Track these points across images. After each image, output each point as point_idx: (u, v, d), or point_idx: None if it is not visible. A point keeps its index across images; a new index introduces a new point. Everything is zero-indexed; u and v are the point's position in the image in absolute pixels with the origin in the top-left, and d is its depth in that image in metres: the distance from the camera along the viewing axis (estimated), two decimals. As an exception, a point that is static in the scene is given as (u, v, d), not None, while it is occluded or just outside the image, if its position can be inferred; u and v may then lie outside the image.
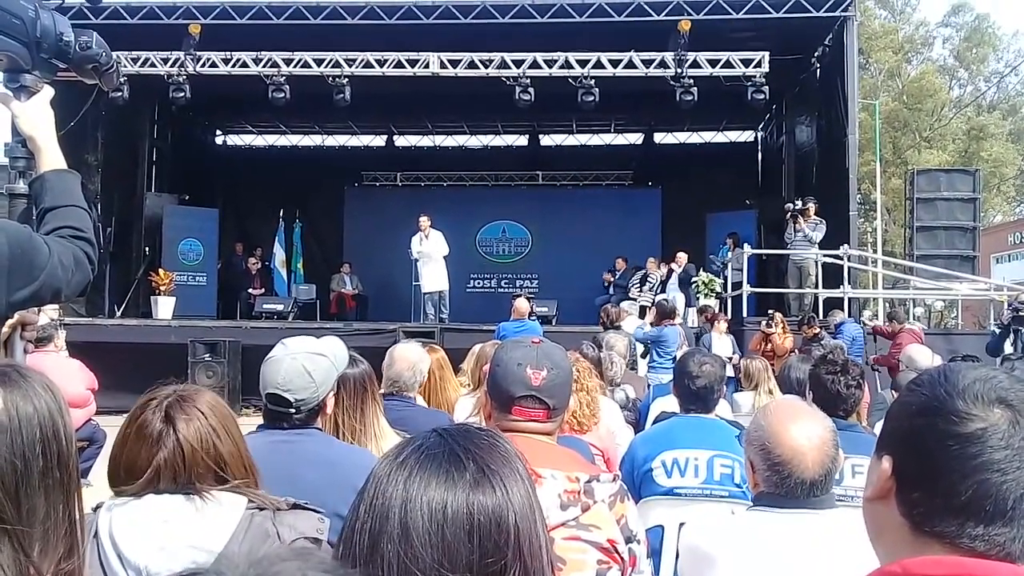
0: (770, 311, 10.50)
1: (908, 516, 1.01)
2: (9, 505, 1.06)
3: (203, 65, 13.03)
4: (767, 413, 2.07)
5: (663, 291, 13.39)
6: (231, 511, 1.70)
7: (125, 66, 12.75)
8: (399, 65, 13.03)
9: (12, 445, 1.07)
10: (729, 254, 13.64)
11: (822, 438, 1.98)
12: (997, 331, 9.58)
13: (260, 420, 2.35)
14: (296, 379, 2.22)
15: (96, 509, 1.71)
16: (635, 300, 13.16)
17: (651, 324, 9.76)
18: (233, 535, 1.66)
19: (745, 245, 12.78)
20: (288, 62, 12.98)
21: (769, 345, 9.69)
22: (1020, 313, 9.24)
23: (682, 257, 13.51)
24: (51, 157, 1.98)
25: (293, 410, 2.24)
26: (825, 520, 1.93)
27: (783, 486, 1.97)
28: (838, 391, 3.19)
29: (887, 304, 14.78)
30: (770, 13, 12.39)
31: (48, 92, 2.02)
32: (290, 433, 2.25)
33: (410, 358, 3.55)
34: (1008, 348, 9.16)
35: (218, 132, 19.67)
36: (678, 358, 3.88)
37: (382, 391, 3.16)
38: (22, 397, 1.11)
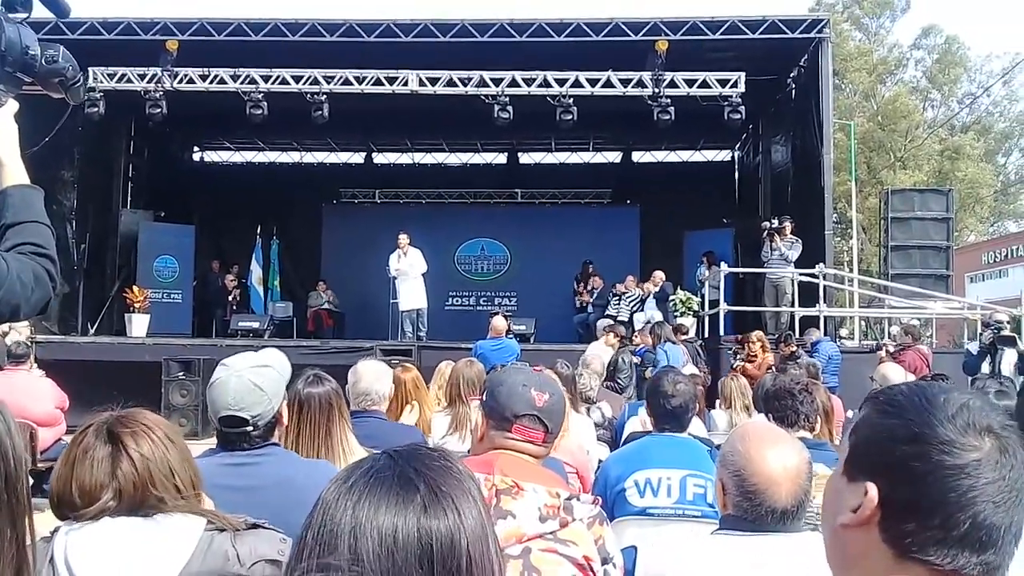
0: (749, 336, 10.40)
1: (893, 543, 0.98)
2: None
3: (180, 81, 12.97)
4: (744, 437, 2.04)
5: (641, 309, 13.42)
6: (189, 533, 1.66)
7: (101, 82, 12.70)
8: (378, 83, 13.04)
9: None
10: (706, 272, 13.71)
11: (798, 468, 1.96)
12: (975, 351, 9.64)
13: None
14: (247, 396, 2.18)
15: (53, 534, 1.66)
16: (614, 317, 13.16)
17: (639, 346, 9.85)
18: (191, 558, 1.62)
19: (722, 264, 12.85)
20: (266, 79, 12.95)
21: (751, 365, 9.70)
22: (1001, 333, 9.32)
23: (659, 275, 13.55)
24: (13, 172, 1.94)
25: (250, 427, 2.19)
26: (792, 543, 1.92)
27: (753, 512, 1.94)
28: (796, 408, 3.21)
29: (863, 322, 14.87)
30: (746, 34, 12.54)
31: (12, 107, 1.99)
32: (250, 454, 2.21)
33: (374, 371, 3.55)
34: (985, 367, 9.24)
35: (195, 148, 19.60)
36: (650, 377, 3.88)
37: (351, 409, 3.14)
38: (-33, 420, 1.07)
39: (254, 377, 2.20)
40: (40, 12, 2.10)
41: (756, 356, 9.79)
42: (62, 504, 1.67)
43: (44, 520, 1.43)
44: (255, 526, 1.72)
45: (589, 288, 15.23)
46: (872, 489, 0.99)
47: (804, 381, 3.30)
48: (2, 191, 1.92)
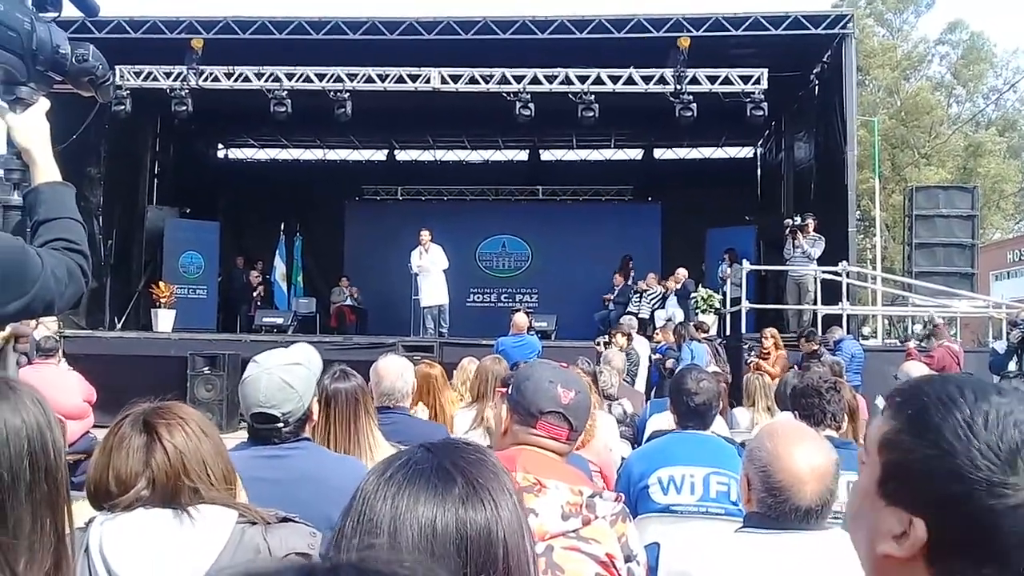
0: (763, 333, 10.36)
1: None
2: None
3: (205, 79, 13.08)
4: (773, 435, 2.05)
5: (662, 306, 13.39)
6: (221, 525, 1.68)
7: (128, 80, 12.82)
8: (400, 80, 13.08)
9: None
10: (728, 270, 13.65)
11: (824, 468, 1.96)
12: (1002, 350, 9.57)
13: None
14: (277, 393, 2.21)
15: (88, 524, 1.70)
16: (635, 314, 13.12)
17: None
18: (223, 550, 1.65)
19: (744, 261, 12.78)
20: (290, 76, 13.03)
21: (765, 361, 9.65)
22: (1029, 331, 9.25)
23: (682, 272, 13.50)
24: (46, 169, 1.98)
25: (281, 424, 2.23)
26: (816, 540, 1.92)
27: (777, 510, 1.95)
28: (823, 407, 3.19)
29: (886, 320, 14.73)
30: (769, 30, 12.47)
31: (44, 104, 2.03)
32: (280, 447, 2.24)
33: (396, 368, 3.56)
34: (1012, 366, 9.16)
35: (220, 146, 19.72)
36: (673, 374, 3.88)
37: (376, 406, 3.16)
38: (10, 410, 1.10)
39: (285, 375, 2.23)
40: (68, 11, 2.14)
41: (769, 353, 9.75)
42: (98, 493, 1.71)
43: (77, 511, 1.47)
44: (286, 520, 1.75)
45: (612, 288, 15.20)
46: (921, 528, 0.92)
47: (832, 380, 3.28)
48: (34, 188, 1.95)
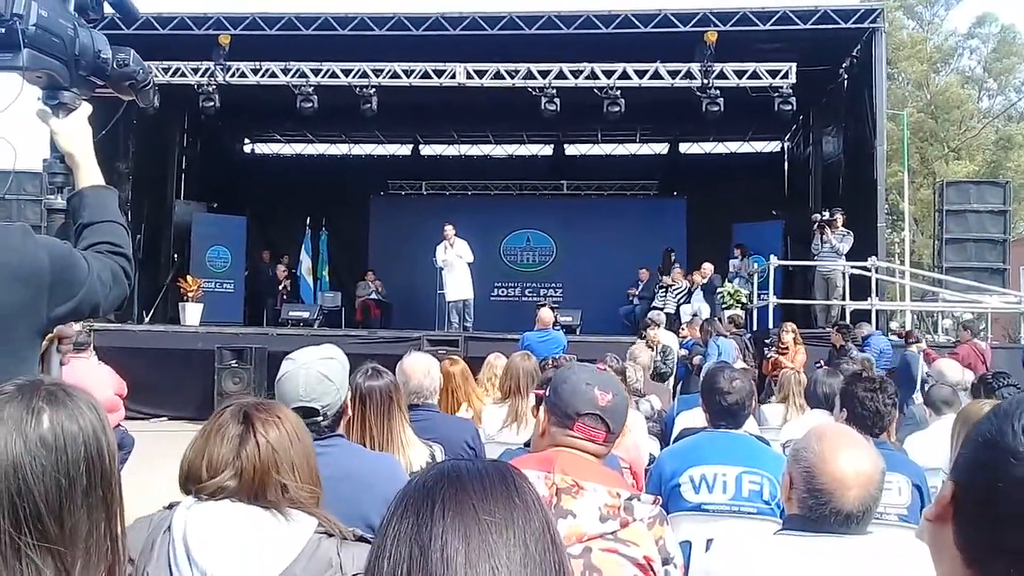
0: (782, 327, 10.29)
1: (961, 548, 0.94)
2: (52, 523, 1.07)
3: (232, 75, 13.16)
4: (822, 437, 2.04)
5: (688, 301, 13.33)
6: (301, 531, 1.70)
7: (156, 76, 12.92)
8: (425, 75, 13.10)
9: (57, 464, 1.09)
10: (738, 263, 13.59)
11: (869, 474, 1.95)
12: None
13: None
14: (317, 387, 2.25)
15: (171, 507, 1.75)
16: (660, 309, 13.07)
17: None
18: (297, 558, 1.67)
19: (772, 256, 12.67)
20: (316, 72, 13.09)
21: (784, 356, 9.58)
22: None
23: (708, 267, 13.43)
24: (89, 173, 2.01)
25: (320, 418, 2.26)
26: (855, 545, 1.91)
27: (817, 512, 1.94)
28: (877, 409, 3.16)
29: (915, 316, 14.60)
30: (797, 25, 12.36)
31: (86, 109, 2.06)
32: (317, 444, 2.26)
33: (422, 366, 3.58)
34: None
35: (246, 141, 19.86)
36: (704, 373, 3.86)
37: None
38: (67, 416, 1.12)
39: (322, 368, 2.27)
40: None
41: (787, 348, 9.67)
42: (191, 475, 1.75)
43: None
44: (362, 539, 1.77)
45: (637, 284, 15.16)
46: (948, 488, 0.96)
47: (891, 393, 3.23)
48: (78, 192, 1.99)
